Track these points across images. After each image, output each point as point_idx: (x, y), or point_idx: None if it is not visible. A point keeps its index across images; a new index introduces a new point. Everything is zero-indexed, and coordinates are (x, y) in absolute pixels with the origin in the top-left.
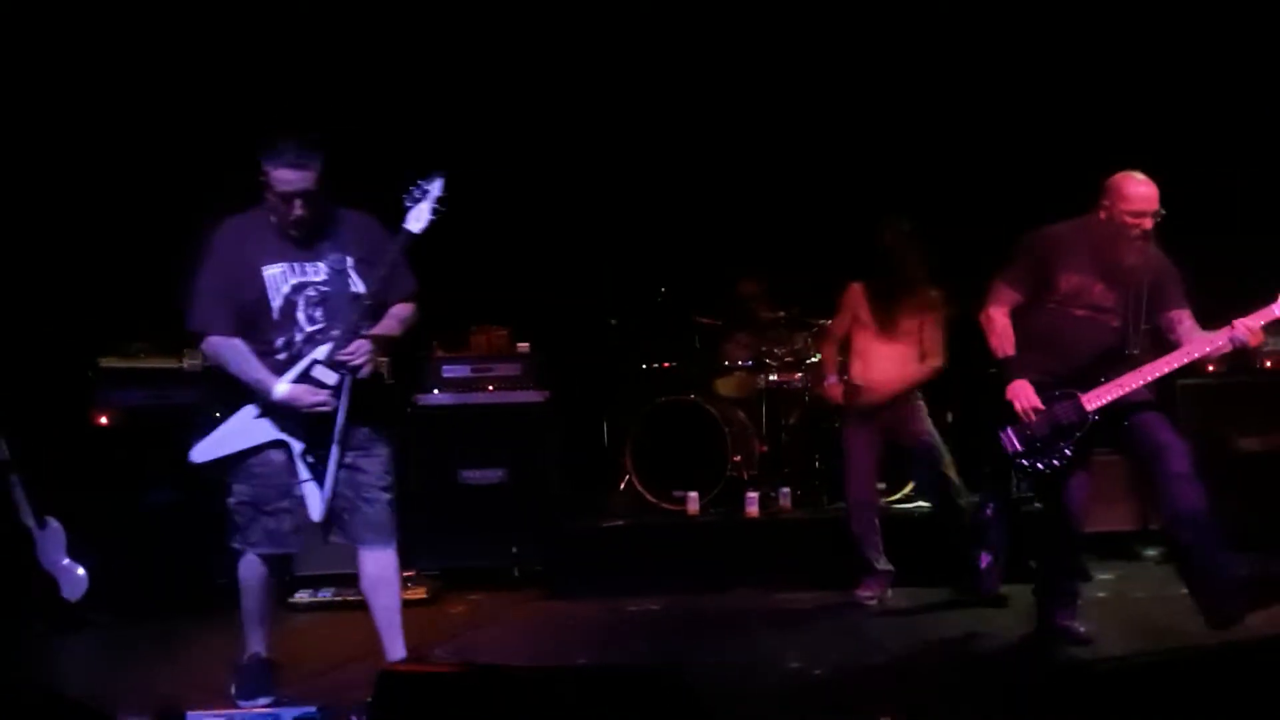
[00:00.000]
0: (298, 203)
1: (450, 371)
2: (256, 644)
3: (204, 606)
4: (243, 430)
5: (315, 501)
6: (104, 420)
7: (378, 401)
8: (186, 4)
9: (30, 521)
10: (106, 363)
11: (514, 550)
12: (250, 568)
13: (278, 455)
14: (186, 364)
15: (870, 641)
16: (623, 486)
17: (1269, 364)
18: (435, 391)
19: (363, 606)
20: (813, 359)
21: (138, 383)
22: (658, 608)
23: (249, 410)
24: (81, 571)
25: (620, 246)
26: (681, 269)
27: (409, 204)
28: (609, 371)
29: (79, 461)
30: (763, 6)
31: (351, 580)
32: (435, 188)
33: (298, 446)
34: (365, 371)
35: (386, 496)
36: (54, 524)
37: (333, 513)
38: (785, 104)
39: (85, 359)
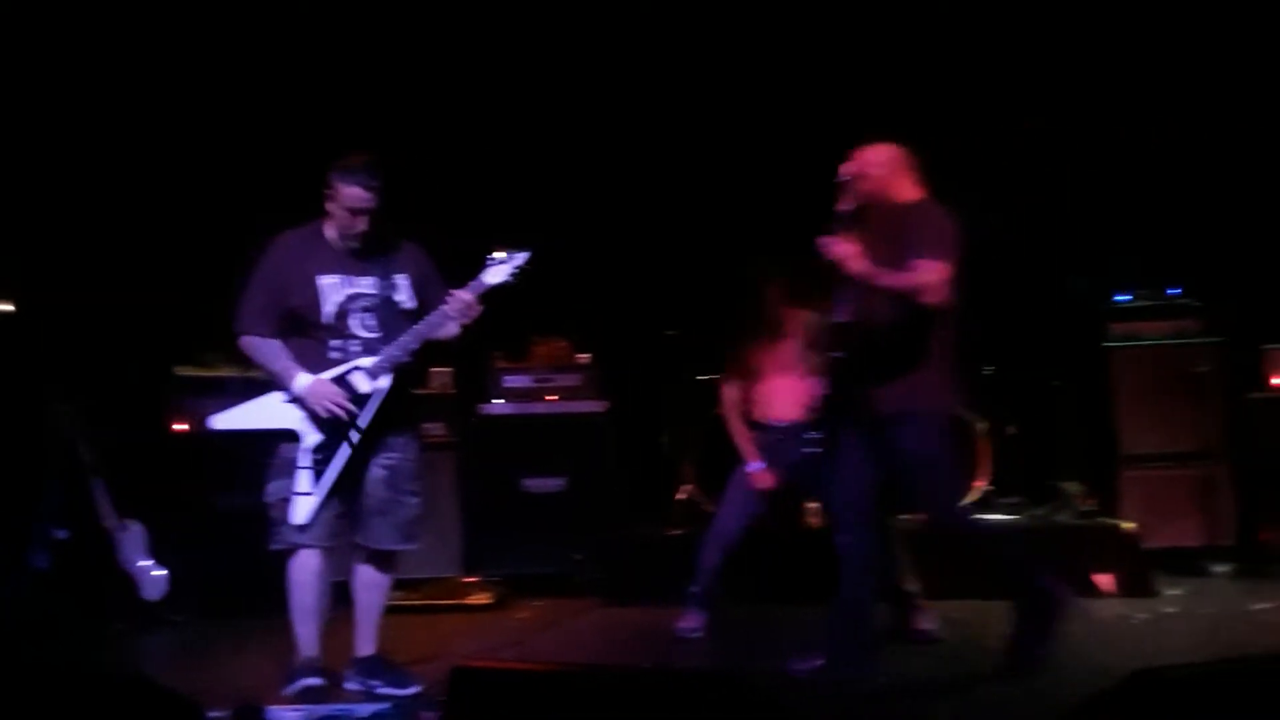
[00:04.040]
0: (362, 218)
1: (511, 381)
2: (310, 647)
3: (280, 607)
4: (264, 411)
5: (303, 505)
6: (182, 427)
7: (413, 407)
8: (264, 27)
9: (111, 523)
10: (182, 371)
11: (575, 558)
12: (300, 565)
13: (292, 450)
14: (259, 373)
15: (931, 654)
16: (683, 496)
17: None
18: (497, 401)
19: (420, 610)
20: None
21: (213, 391)
22: (718, 616)
23: (276, 395)
24: (160, 573)
25: (680, 260)
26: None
27: (491, 262)
28: (668, 382)
29: (158, 466)
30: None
31: (406, 584)
32: (520, 259)
33: (307, 441)
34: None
35: (416, 499)
36: (135, 526)
37: (361, 514)
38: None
39: (163, 367)
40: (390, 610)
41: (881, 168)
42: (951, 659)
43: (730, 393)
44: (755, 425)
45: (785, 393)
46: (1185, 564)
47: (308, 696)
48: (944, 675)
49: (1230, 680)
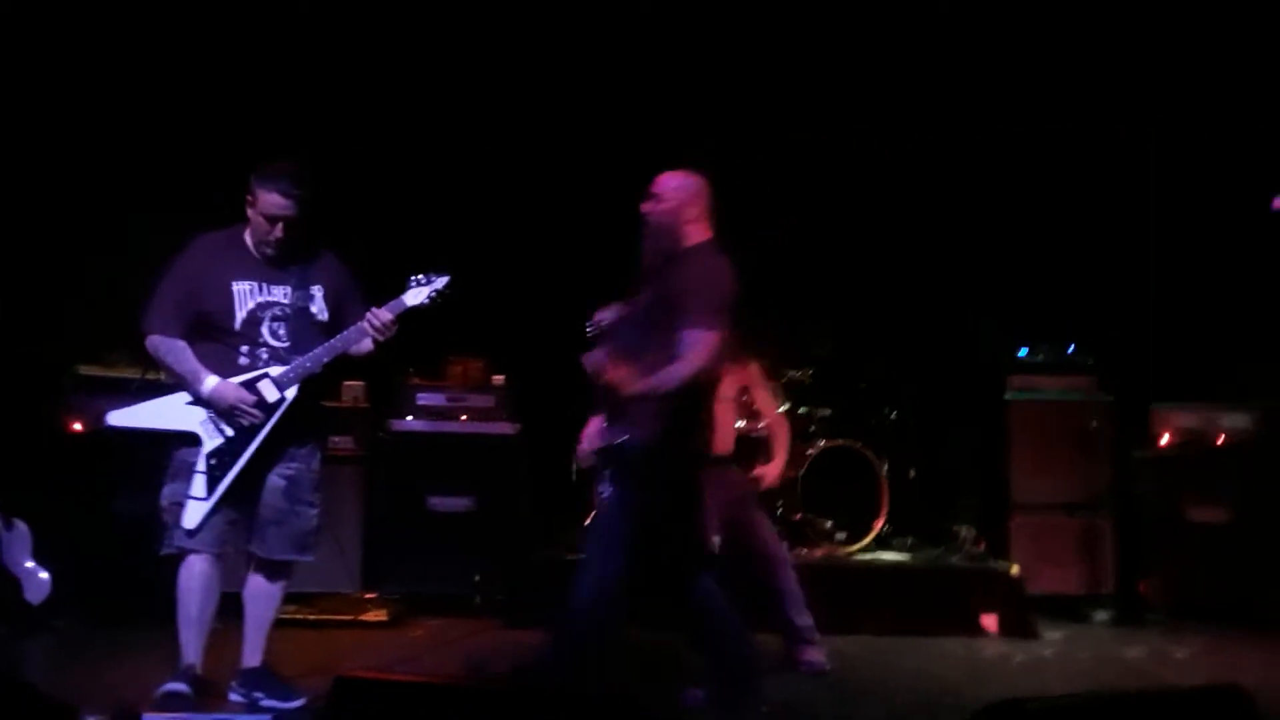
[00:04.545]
0: (280, 226)
1: (425, 399)
2: (191, 654)
3: (168, 615)
4: (164, 411)
5: (195, 510)
6: (78, 426)
7: (319, 419)
8: (182, 19)
9: None
10: (85, 370)
11: (476, 578)
12: (188, 570)
13: (190, 454)
14: (162, 375)
15: (818, 685)
16: (590, 522)
17: (1221, 439)
18: (409, 418)
19: (314, 625)
20: (780, 408)
21: (114, 391)
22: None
23: (180, 396)
24: (45, 575)
25: (600, 283)
26: None
27: (412, 284)
28: (583, 406)
29: (51, 466)
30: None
31: (301, 598)
32: (441, 282)
33: (206, 446)
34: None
35: (314, 510)
36: (20, 525)
37: (257, 523)
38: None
39: (64, 365)
40: (284, 624)
41: (675, 195)
42: (836, 691)
43: None
44: None
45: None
46: (1067, 609)
47: (172, 703)
48: (826, 707)
49: (1084, 714)
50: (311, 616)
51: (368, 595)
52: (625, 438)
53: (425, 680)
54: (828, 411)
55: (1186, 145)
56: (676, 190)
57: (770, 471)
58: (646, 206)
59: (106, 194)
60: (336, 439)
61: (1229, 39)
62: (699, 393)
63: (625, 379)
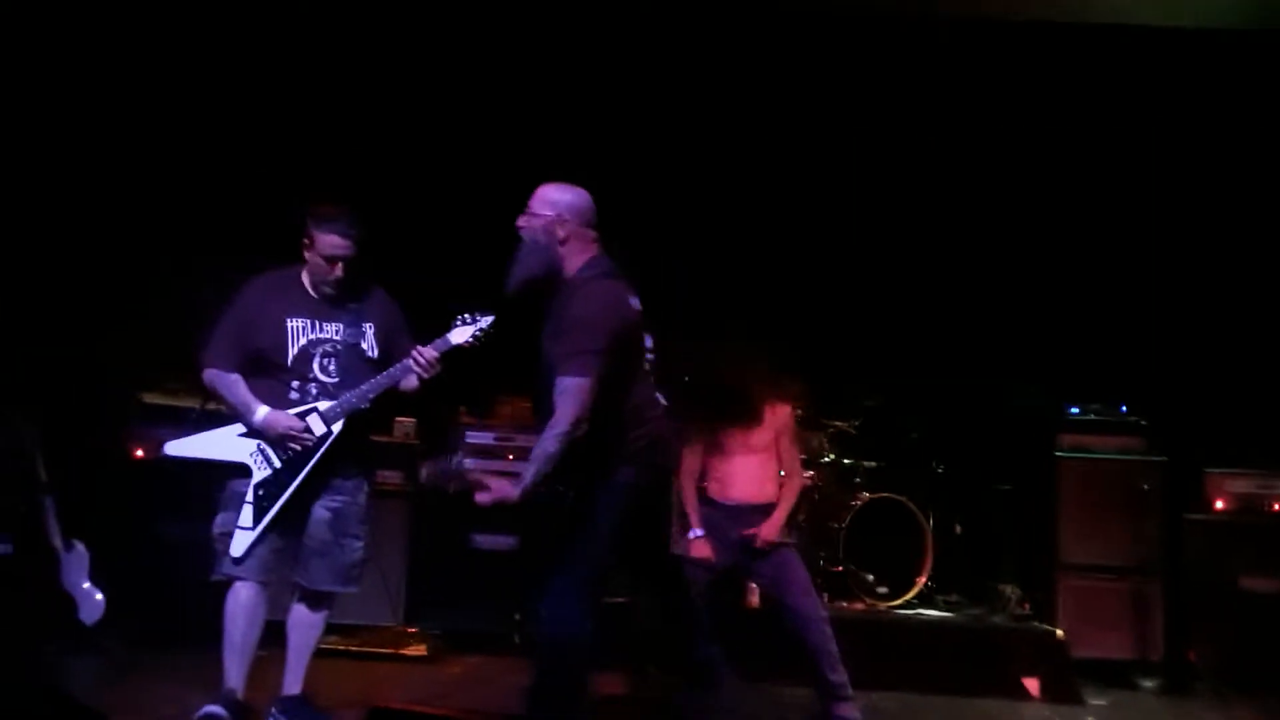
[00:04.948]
0: (339, 266)
1: (474, 438)
2: (233, 679)
3: (214, 639)
4: (220, 442)
5: (242, 539)
6: (140, 453)
7: (366, 453)
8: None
9: (57, 543)
10: (149, 398)
11: (516, 617)
12: (234, 597)
13: (240, 485)
14: (219, 405)
15: None
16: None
17: (1277, 506)
18: (458, 455)
19: (353, 656)
20: (826, 458)
21: (174, 420)
22: (652, 690)
23: (234, 428)
24: (100, 597)
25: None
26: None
27: (458, 323)
28: None
29: (112, 491)
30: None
31: (343, 629)
32: (485, 322)
33: (255, 477)
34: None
35: (360, 543)
36: (79, 547)
37: (302, 553)
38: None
39: (129, 392)
40: (324, 654)
41: (550, 209)
42: None
43: (691, 462)
44: (706, 500)
45: (742, 474)
46: (1114, 675)
47: None
48: None
49: None
50: (352, 648)
51: (408, 630)
52: (569, 493)
53: (458, 714)
54: (874, 464)
55: (1244, 205)
56: (552, 204)
57: (765, 528)
58: (520, 221)
59: (177, 230)
60: (386, 473)
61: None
62: (612, 422)
63: (502, 492)
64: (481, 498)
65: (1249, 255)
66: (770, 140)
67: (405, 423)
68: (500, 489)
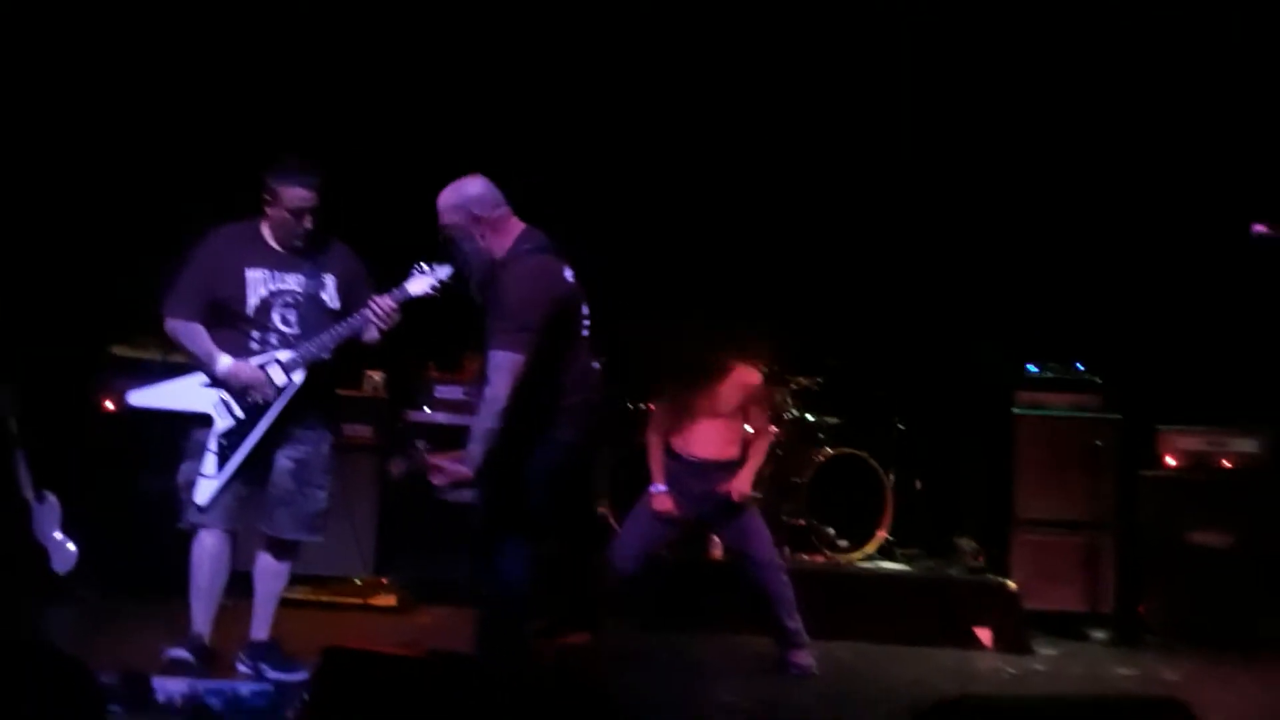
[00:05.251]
0: (307, 218)
1: (443, 392)
2: (200, 624)
3: (184, 587)
4: (182, 392)
5: (205, 488)
6: (110, 405)
7: (330, 404)
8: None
9: (29, 494)
10: (119, 351)
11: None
12: (199, 545)
13: (204, 434)
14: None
15: (804, 688)
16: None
17: (1227, 463)
18: (426, 410)
19: (324, 607)
20: (789, 414)
21: (142, 372)
22: (616, 640)
23: (196, 378)
24: (72, 547)
25: (620, 291)
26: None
27: (415, 272)
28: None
29: (83, 442)
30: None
31: (314, 580)
32: (444, 273)
33: (218, 426)
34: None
35: (324, 493)
36: (51, 498)
37: (267, 503)
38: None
39: (100, 345)
40: (295, 605)
41: (458, 212)
42: (822, 694)
43: (657, 418)
44: (672, 455)
45: (709, 433)
46: (1066, 627)
47: (176, 667)
48: (811, 709)
49: (1025, 714)
50: (323, 598)
51: (379, 581)
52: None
53: (413, 654)
54: (837, 420)
55: (1202, 166)
56: (455, 208)
57: (738, 482)
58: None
59: (145, 185)
60: (355, 427)
61: (1225, 65)
62: (550, 388)
63: (457, 473)
64: (438, 480)
65: (1203, 217)
66: (729, 101)
67: (375, 377)
68: (454, 470)
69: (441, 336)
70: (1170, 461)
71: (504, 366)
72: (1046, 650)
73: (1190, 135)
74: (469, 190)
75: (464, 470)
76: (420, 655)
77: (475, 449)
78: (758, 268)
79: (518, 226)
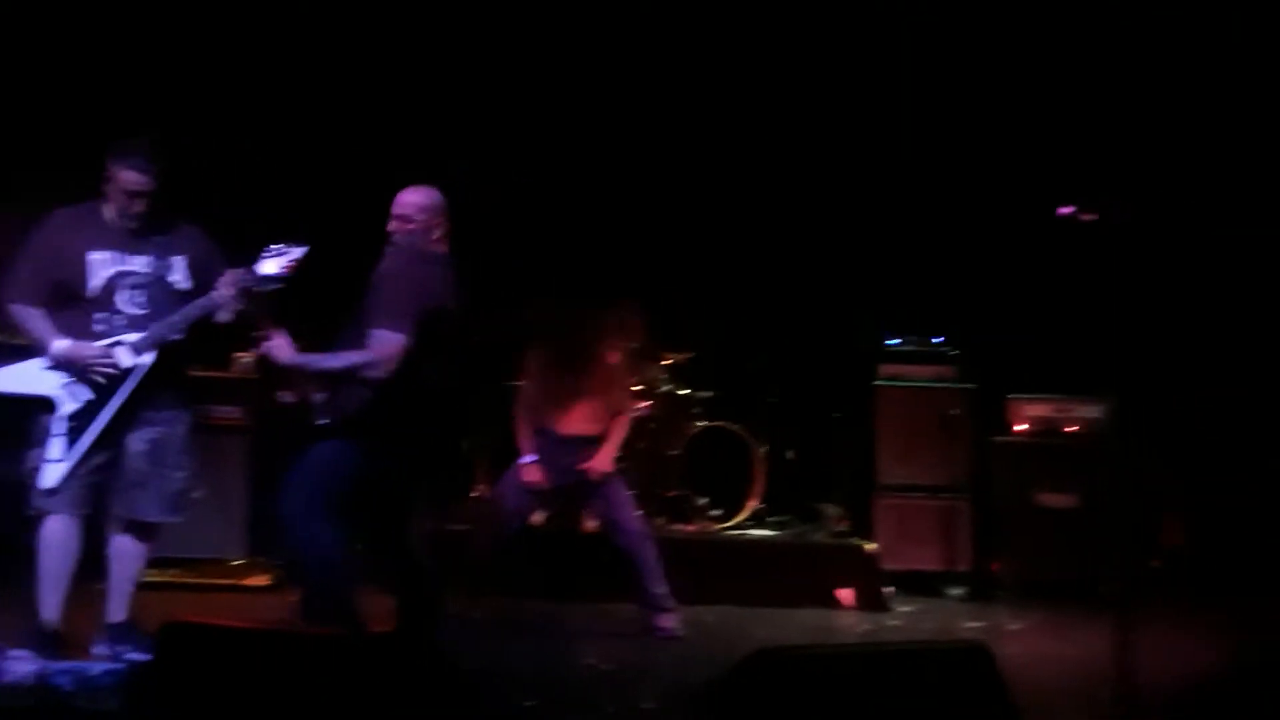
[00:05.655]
0: (139, 201)
1: None
2: (49, 611)
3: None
4: (24, 376)
5: (52, 472)
6: None
7: (184, 384)
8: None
9: None
10: None
11: (356, 547)
12: (47, 530)
13: (49, 419)
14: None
15: (666, 650)
16: (476, 495)
17: (1071, 429)
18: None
19: (196, 589)
20: (663, 388)
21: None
22: (482, 612)
23: (38, 362)
24: None
25: (490, 269)
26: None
27: (268, 253)
28: (474, 386)
29: None
30: None
31: (185, 563)
32: (297, 253)
33: (64, 409)
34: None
35: (182, 474)
36: None
37: (122, 485)
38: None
39: None
40: (166, 588)
41: (423, 213)
42: (681, 655)
43: (527, 394)
44: (540, 431)
45: (575, 410)
46: (926, 585)
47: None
48: (666, 669)
49: (838, 662)
50: (194, 580)
51: (251, 561)
52: (324, 420)
53: (253, 626)
54: (709, 393)
55: (1041, 153)
56: (423, 210)
57: (595, 462)
58: (392, 227)
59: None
60: (225, 409)
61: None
62: (400, 373)
63: (279, 348)
64: (263, 344)
65: (1050, 199)
66: (581, 71)
67: (244, 358)
68: (280, 348)
69: (312, 319)
70: (1020, 428)
71: (384, 342)
72: (904, 608)
73: (1031, 117)
74: (441, 199)
75: (285, 355)
76: (259, 627)
77: (314, 361)
78: (626, 245)
79: (444, 248)
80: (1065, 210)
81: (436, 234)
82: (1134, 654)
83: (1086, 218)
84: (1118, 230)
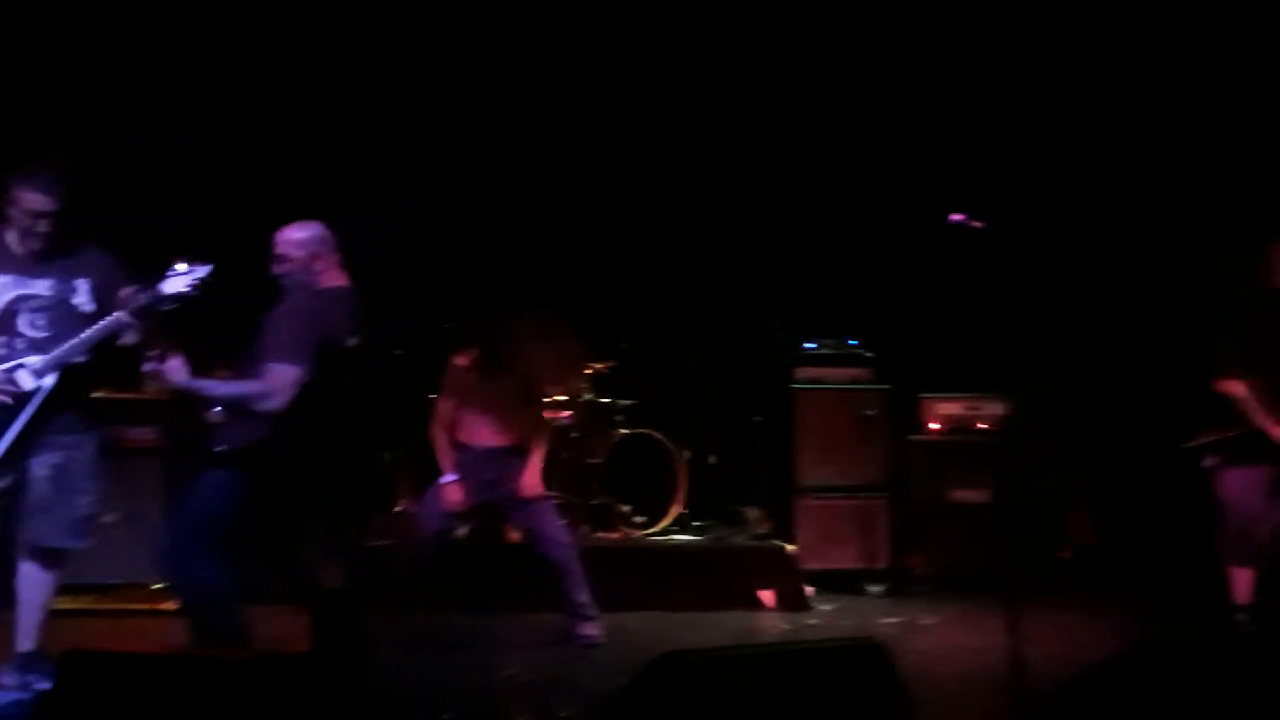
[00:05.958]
0: (42, 222)
1: None
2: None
3: None
4: None
5: None
6: None
7: (87, 408)
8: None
9: None
10: None
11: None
12: None
13: None
14: None
15: (585, 658)
16: (399, 509)
17: (982, 426)
18: (217, 410)
19: (109, 615)
20: (585, 398)
21: None
22: (404, 627)
23: None
24: None
25: (410, 284)
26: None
27: (172, 272)
28: (394, 401)
29: None
30: None
31: (99, 588)
32: (202, 272)
33: None
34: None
35: (88, 498)
36: None
37: (26, 511)
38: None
39: None
40: (79, 614)
41: (301, 249)
42: (602, 662)
43: (443, 410)
44: (458, 445)
45: (491, 422)
46: (846, 584)
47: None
48: (585, 676)
49: (737, 663)
50: (109, 606)
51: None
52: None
53: (152, 652)
54: (631, 402)
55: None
56: (299, 245)
57: (524, 485)
58: (276, 270)
59: None
60: (138, 430)
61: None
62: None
63: (173, 369)
64: (154, 363)
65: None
66: (501, 81)
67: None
68: (175, 370)
69: (232, 338)
70: (933, 426)
71: (278, 374)
72: (824, 606)
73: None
74: (318, 230)
75: (178, 378)
76: (157, 651)
77: (208, 387)
78: (544, 254)
79: (340, 280)
80: (956, 217)
81: (319, 266)
82: (1029, 644)
83: (976, 225)
84: (1006, 236)
